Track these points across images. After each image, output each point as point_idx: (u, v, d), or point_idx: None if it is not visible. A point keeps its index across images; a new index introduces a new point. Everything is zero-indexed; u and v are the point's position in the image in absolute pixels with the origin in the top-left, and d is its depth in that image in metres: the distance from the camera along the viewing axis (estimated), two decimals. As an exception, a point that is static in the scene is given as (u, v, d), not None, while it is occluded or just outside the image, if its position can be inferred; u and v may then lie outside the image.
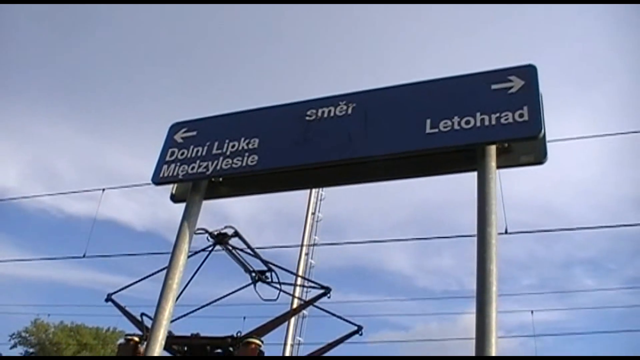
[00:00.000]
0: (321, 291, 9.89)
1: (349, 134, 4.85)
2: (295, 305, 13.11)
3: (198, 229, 6.41)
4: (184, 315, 9.73)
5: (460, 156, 4.64)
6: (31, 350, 48.91)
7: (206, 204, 5.31)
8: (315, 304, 10.45)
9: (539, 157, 4.52)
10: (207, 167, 5.19)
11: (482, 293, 3.87)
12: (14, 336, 48.91)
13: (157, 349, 4.73)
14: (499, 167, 4.43)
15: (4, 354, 11.63)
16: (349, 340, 9.98)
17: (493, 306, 3.82)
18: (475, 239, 4.12)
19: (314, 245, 20.29)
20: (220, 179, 5.27)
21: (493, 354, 3.70)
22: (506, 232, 10.93)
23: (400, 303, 60.29)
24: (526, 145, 4.51)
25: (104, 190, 16.97)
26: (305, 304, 12.05)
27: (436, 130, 4.56)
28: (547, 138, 4.48)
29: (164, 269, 5.33)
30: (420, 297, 54.92)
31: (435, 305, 69.28)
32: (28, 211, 77.25)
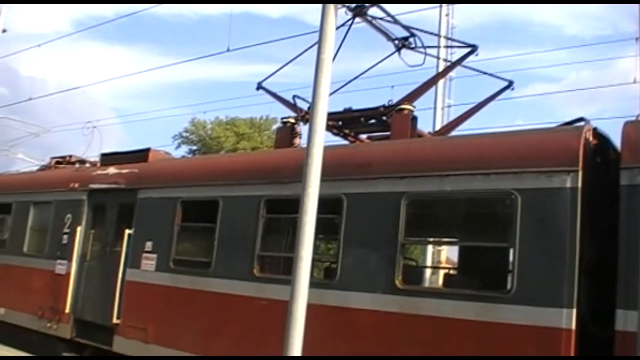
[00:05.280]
0: (467, 50, 9.71)
1: None
2: (441, 68, 13.03)
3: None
4: (335, 92, 10.03)
5: None
6: (194, 147, 52.37)
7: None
8: (463, 63, 10.35)
9: None
10: None
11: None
12: (176, 137, 52.47)
13: (321, 122, 4.96)
14: None
15: (171, 154, 12.89)
16: (500, 97, 9.95)
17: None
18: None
19: (453, 2, 19.28)
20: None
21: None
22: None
23: (549, 54, 57.72)
24: None
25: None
26: (452, 65, 11.91)
27: None
28: None
29: (313, 45, 5.43)
30: (570, 45, 51.45)
31: (587, 53, 65.98)
32: (164, 19, 79.63)
